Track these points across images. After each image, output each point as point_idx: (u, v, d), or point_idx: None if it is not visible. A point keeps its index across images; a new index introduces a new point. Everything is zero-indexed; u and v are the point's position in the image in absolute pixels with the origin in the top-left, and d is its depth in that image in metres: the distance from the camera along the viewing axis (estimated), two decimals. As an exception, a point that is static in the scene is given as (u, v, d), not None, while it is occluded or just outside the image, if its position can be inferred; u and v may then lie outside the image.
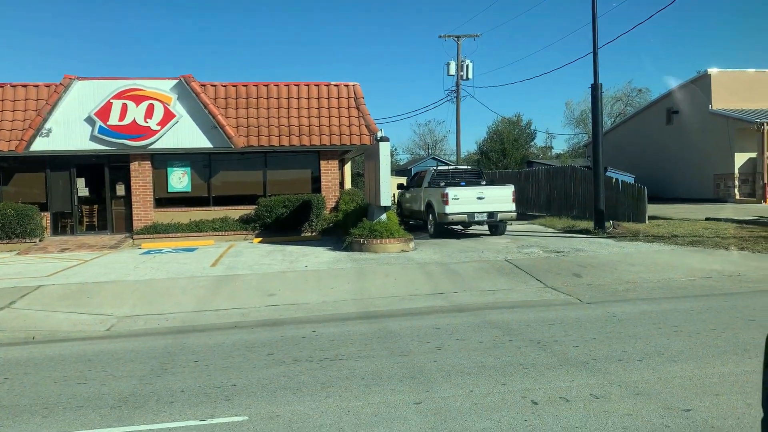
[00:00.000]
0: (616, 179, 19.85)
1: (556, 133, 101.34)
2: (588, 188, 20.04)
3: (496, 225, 16.79)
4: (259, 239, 17.56)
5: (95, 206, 19.03)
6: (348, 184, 27.02)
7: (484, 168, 52.74)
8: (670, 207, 23.62)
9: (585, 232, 16.46)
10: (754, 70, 28.15)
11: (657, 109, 32.57)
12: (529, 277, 10.90)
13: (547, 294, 9.70)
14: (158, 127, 17.70)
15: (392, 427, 4.33)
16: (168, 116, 17.75)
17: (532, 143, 69.08)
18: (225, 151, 18.44)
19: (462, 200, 16.01)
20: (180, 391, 5.35)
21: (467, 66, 37.84)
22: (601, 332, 6.94)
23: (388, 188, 14.26)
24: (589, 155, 41.77)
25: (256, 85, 19.09)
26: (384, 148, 14.28)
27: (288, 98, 19.00)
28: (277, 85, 19.15)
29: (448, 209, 15.92)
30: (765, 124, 24.87)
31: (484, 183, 17.73)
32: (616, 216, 18.44)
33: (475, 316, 8.28)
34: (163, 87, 18.00)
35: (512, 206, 16.42)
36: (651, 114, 33.20)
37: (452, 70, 37.96)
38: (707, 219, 17.64)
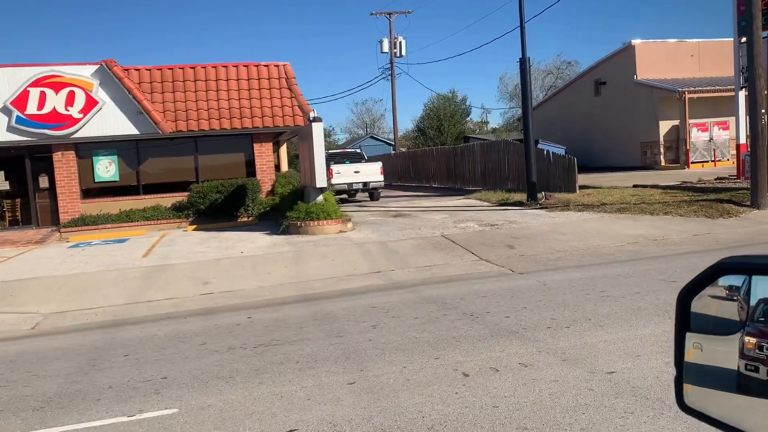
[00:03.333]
0: (547, 151, 20.30)
1: (492, 108, 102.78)
2: (521, 161, 20.37)
3: (371, 192, 22.74)
4: (193, 227, 17.18)
5: (18, 200, 18.16)
6: (285, 167, 26.70)
7: (421, 144, 53.20)
8: (601, 176, 24.36)
9: (519, 204, 16.80)
10: (674, 40, 29.17)
11: (586, 81, 33.40)
12: (464, 251, 11.06)
13: (482, 266, 9.87)
14: (80, 115, 16.95)
15: (324, 409, 4.32)
16: (90, 103, 17.02)
17: (468, 119, 69.75)
18: (153, 137, 17.86)
19: (343, 174, 21.70)
20: (108, 388, 5.19)
21: (400, 43, 37.80)
22: (532, 301, 7.11)
23: (323, 169, 14.14)
24: (522, 128, 42.72)
25: (183, 68, 18.50)
26: (317, 129, 14.13)
27: (216, 80, 18.50)
28: (204, 67, 18.61)
29: (333, 181, 20.80)
30: (686, 93, 25.86)
31: (363, 161, 23.51)
32: (548, 187, 18.88)
33: (411, 292, 8.34)
34: (84, 73, 17.21)
35: (381, 177, 22.48)
36: (580, 86, 34.03)
37: (385, 48, 37.86)
38: (635, 186, 18.28)
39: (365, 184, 22.07)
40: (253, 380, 5.08)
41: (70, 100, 16.86)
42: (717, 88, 25.70)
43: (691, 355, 0.87)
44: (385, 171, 37.93)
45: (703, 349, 0.86)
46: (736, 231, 11.27)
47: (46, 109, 16.72)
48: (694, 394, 0.87)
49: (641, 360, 4.78)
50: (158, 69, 18.35)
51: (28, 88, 16.62)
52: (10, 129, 16.66)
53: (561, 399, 4.16)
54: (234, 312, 8.04)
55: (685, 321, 0.88)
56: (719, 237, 10.79)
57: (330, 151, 24.84)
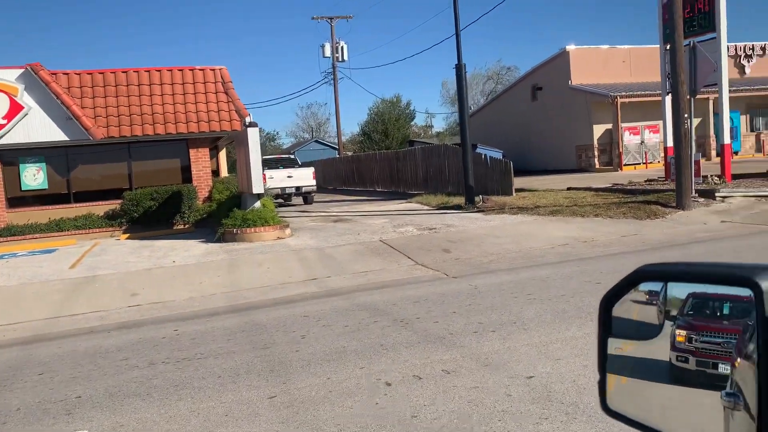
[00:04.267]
0: (485, 155, 20.62)
1: (435, 113, 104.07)
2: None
3: (305, 196, 23.80)
4: (126, 235, 16.68)
5: (-64, 210, 17.23)
6: (224, 172, 26.23)
7: (367, 148, 53.24)
8: (538, 179, 24.90)
9: (457, 207, 16.98)
10: (607, 46, 30.11)
11: (523, 86, 34.13)
12: (401, 255, 11.08)
13: (417, 271, 9.90)
14: (4, 121, 16.23)
15: (241, 426, 4.22)
16: (15, 108, 16.33)
17: (413, 123, 70.32)
18: (84, 144, 17.25)
19: (276, 179, 22.53)
20: (16, 410, 4.94)
21: (342, 47, 37.77)
22: (462, 306, 7.16)
23: (260, 174, 13.94)
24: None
25: (114, 72, 17.96)
26: (253, 134, 13.92)
27: (150, 85, 18.03)
28: (137, 72, 18.11)
29: (267, 185, 20.32)
30: (618, 98, 26.71)
31: (296, 167, 24.70)
32: (486, 190, 19.16)
33: (345, 299, 8.29)
34: (8, 77, 16.49)
35: (313, 182, 23.75)
36: (518, 91, 34.74)
37: (327, 52, 37.76)
38: (568, 189, 18.73)
39: (298, 188, 23.34)
40: (172, 397, 4.93)
41: (-8, 105, 16.12)
42: (647, 92, 26.65)
43: (623, 351, 0.91)
44: (330, 175, 38.01)
45: (623, 352, 0.90)
46: (662, 232, 11.66)
47: (-33, 115, 15.95)
48: (617, 396, 0.89)
49: (560, 363, 4.85)
50: (89, 73, 17.77)
51: (-53, 92, 15.82)
52: (-73, 135, 15.82)
53: (479, 406, 4.18)
54: (161, 324, 7.80)
55: (608, 326, 0.91)
56: (646, 238, 11.15)
57: (264, 157, 26.44)
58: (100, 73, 17.86)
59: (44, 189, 17.55)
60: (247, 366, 5.58)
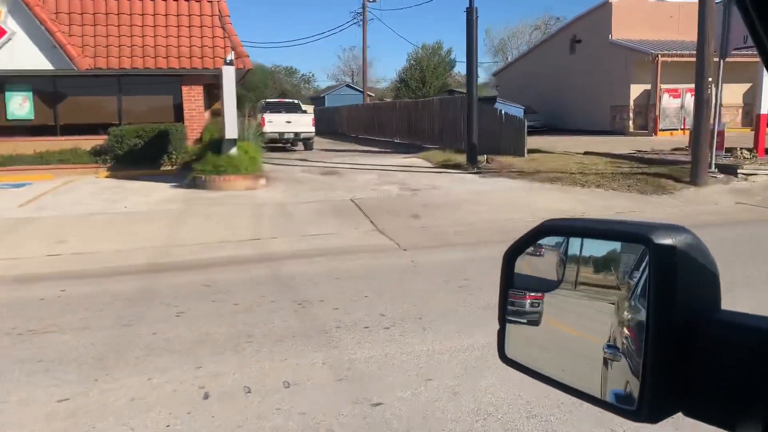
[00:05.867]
0: (500, 111, 19.10)
1: (482, 62, 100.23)
2: (482, 121, 19.16)
3: (304, 141, 23.81)
4: (107, 173, 16.00)
5: None
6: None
7: (403, 96, 51.52)
8: (563, 139, 23.27)
9: (457, 167, 15.75)
10: (654, 0, 27.68)
11: (562, 38, 31.93)
12: (364, 219, 10.03)
13: (371, 238, 8.85)
14: (-14, 46, 15.53)
15: (-19, 444, 3.33)
16: (-2, 32, 15.58)
17: (456, 72, 67.87)
18: (72, 75, 16.45)
19: (275, 123, 22.59)
20: None
21: (374, -13, 35.88)
22: (381, 288, 6.13)
23: (234, 118, 12.94)
24: (496, 84, 41.19)
25: None
26: (227, 73, 12.87)
27: (143, 15, 17.03)
28: (129, 0, 17.10)
29: (266, 129, 21.64)
30: (659, 56, 24.57)
31: (298, 112, 24.44)
32: (498, 149, 17.81)
33: (269, 267, 7.33)
34: (-8, -2, 15.70)
35: (312, 129, 23.67)
36: (556, 43, 32.55)
37: (358, -9, 35.95)
38: (585, 153, 17.22)
39: (297, 134, 23.22)
40: (-41, 385, 4.08)
41: (-26, 27, 15.39)
42: (693, 52, 24.38)
43: (523, 302, 0.90)
44: (354, 123, 36.69)
45: (522, 303, 0.90)
46: (663, 210, 10.29)
47: (-53, 37, 15.26)
48: (514, 346, 0.89)
49: (427, 388, 3.80)
50: (78, -1, 16.84)
51: (-73, 13, 15.13)
52: None
53: (284, 446, 3.19)
54: (59, 281, 6.99)
55: (510, 279, 0.90)
56: (643, 216, 9.80)
57: (267, 100, 27.12)
58: (91, -1, 16.91)
59: (30, 120, 16.94)
60: (82, 350, 4.69)
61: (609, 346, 0.76)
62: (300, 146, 24.34)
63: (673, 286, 0.68)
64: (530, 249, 0.88)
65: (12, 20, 15.76)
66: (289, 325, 5.14)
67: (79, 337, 5.00)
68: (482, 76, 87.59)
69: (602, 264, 0.81)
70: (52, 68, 16.12)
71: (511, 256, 0.90)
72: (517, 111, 21.53)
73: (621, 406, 0.72)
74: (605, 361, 0.76)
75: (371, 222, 9.79)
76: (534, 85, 33.34)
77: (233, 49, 17.29)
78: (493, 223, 9.45)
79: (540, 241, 0.87)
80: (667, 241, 0.69)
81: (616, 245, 0.78)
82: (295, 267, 7.31)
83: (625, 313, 0.75)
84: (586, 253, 0.83)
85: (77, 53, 16.01)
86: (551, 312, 0.86)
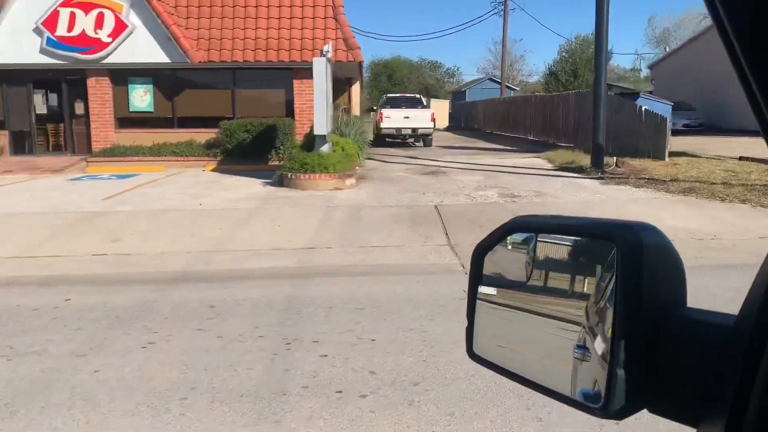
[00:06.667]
0: (640, 107, 16.67)
1: (643, 53, 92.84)
2: (618, 118, 16.94)
3: (422, 137, 22.51)
4: (212, 167, 15.94)
5: (56, 125, 17.91)
6: (357, 110, 24.81)
7: (552, 90, 48.66)
8: (719, 141, 20.10)
9: (579, 170, 13.82)
10: None
11: (731, 25, 27.89)
12: (440, 230, 8.72)
13: (436, 255, 7.52)
14: (109, 39, 16.06)
15: None
16: (120, 27, 16.05)
17: (615, 64, 63.22)
18: (186, 67, 16.63)
19: (392, 118, 21.74)
20: None
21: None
22: (400, 330, 4.85)
23: (324, 113, 12.09)
24: (652, 78, 37.24)
25: (222, -7, 16.97)
26: (318, 65, 12.04)
27: (257, 7, 16.82)
28: (244, -8, 16.96)
29: (383, 124, 21.72)
30: None
31: (418, 107, 23.16)
32: (636, 150, 15.58)
33: (297, 285, 6.33)
34: (115, -6, 16.20)
35: (430, 125, 22.11)
36: (723, 31, 28.52)
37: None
38: (740, 158, 14.46)
39: (414, 129, 21.96)
40: None
41: (99, 22, 15.98)
42: None
43: (491, 299, 0.87)
44: (489, 118, 34.92)
45: (492, 300, 0.87)
46: (830, 239, 7.91)
47: (76, 31, 15.98)
48: (482, 342, 0.87)
49: None
50: (196, -7, 16.96)
51: (59, 8, 15.93)
52: (43, 51, 16.16)
53: None
54: (77, 286, 6.47)
55: (479, 275, 0.88)
56: (798, 246, 7.55)
57: (388, 95, 26.16)
58: (207, -7, 16.95)
59: (150, 112, 17.38)
60: (1, 386, 3.94)
61: (579, 347, 0.75)
62: (421, 143, 23.30)
63: (640, 283, 0.67)
64: (500, 245, 0.87)
65: (133, 14, 16.17)
66: (250, 376, 4.05)
67: (16, 365, 4.28)
68: (642, 69, 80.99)
69: (573, 262, 0.81)
70: (169, 61, 16.36)
71: (480, 252, 0.88)
72: (663, 108, 18.83)
73: (587, 404, 0.72)
74: (575, 361, 0.75)
75: (446, 235, 8.45)
76: (695, 79, 29.56)
77: (345, 41, 16.57)
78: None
79: (511, 237, 0.86)
80: (635, 238, 0.69)
81: (590, 243, 0.77)
82: (325, 287, 6.23)
83: (596, 312, 0.74)
84: (557, 249, 0.82)
85: (191, 46, 16.09)
86: (521, 309, 0.84)
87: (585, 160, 15.05)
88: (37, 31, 15.98)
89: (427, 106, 24.78)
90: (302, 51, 16.47)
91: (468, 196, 10.99)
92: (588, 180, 12.55)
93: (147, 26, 16.19)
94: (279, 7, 16.80)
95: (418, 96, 26.36)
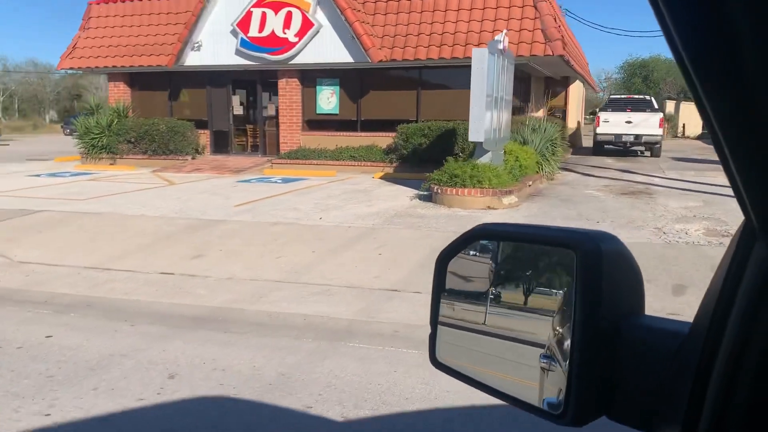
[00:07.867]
0: None
1: None
2: None
3: (648, 146, 19.33)
4: (382, 173, 14.62)
5: (252, 126, 18.19)
6: (574, 114, 21.79)
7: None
8: None
9: None
10: None
11: None
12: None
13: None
14: (296, 39, 15.64)
15: None
16: (306, 25, 15.54)
17: None
18: (368, 67, 15.57)
19: (611, 123, 19.01)
20: None
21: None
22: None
23: (482, 115, 9.91)
24: None
25: (410, -15, 15.53)
26: (478, 57, 9.91)
27: (447, -1, 15.09)
28: (434, -17, 15.33)
29: (599, 130, 19.22)
30: None
31: (646, 111, 19.63)
32: None
33: (323, 350, 4.57)
34: (302, -10, 15.71)
35: (658, 131, 18.88)
36: None
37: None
38: None
39: (637, 136, 18.99)
40: None
41: (287, 21, 15.67)
42: None
43: (454, 306, 0.87)
44: None
45: (455, 308, 0.87)
46: None
47: (266, 32, 15.86)
48: (445, 349, 0.86)
49: None
50: (386, -13, 15.80)
51: (252, 9, 15.93)
52: (237, 52, 16.35)
53: None
54: (93, 317, 5.48)
55: (442, 283, 0.88)
56: None
57: (612, 96, 23.86)
58: (396, -13, 15.68)
59: (335, 114, 16.73)
60: None
61: (545, 356, 0.74)
62: (649, 153, 19.63)
63: (598, 291, 0.68)
64: (463, 253, 0.86)
65: (320, 12, 15.56)
66: None
67: None
68: None
69: (536, 271, 0.80)
70: (351, 60, 15.45)
71: (443, 260, 0.88)
72: None
73: (548, 411, 0.71)
74: (542, 371, 0.75)
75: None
76: None
77: (543, 32, 14.09)
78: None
79: (476, 245, 0.86)
80: (594, 246, 0.69)
81: (554, 252, 0.76)
82: (353, 362, 4.34)
83: (560, 321, 0.73)
84: (521, 259, 0.83)
85: (372, 44, 14.96)
86: (484, 318, 0.82)
87: None
88: (233, 32, 16.20)
89: (659, 110, 20.70)
90: (492, 45, 14.34)
91: (658, 230, 8.04)
92: None
93: (333, 24, 15.45)
94: (471, -4, 14.89)
95: (648, 98, 22.76)
